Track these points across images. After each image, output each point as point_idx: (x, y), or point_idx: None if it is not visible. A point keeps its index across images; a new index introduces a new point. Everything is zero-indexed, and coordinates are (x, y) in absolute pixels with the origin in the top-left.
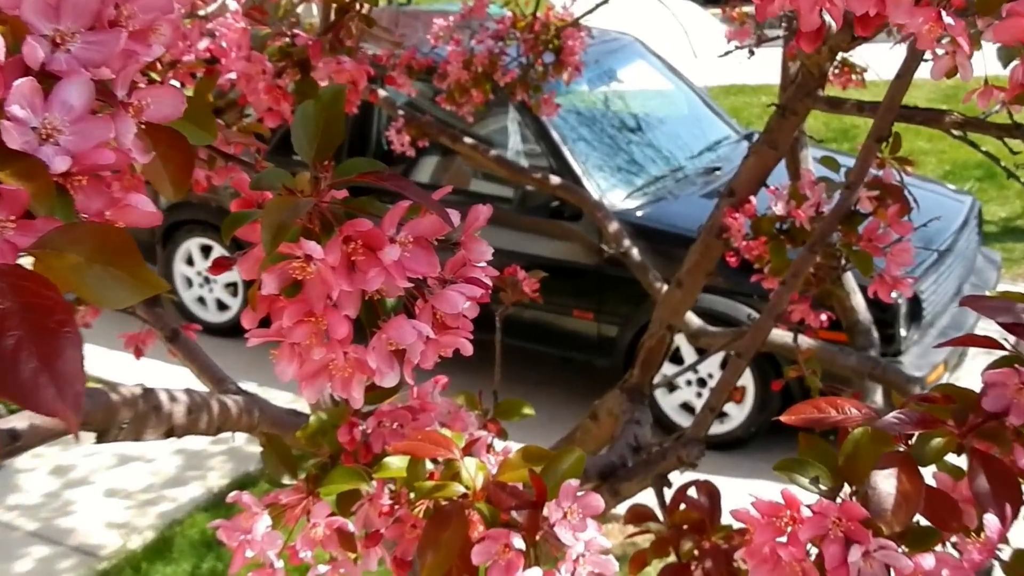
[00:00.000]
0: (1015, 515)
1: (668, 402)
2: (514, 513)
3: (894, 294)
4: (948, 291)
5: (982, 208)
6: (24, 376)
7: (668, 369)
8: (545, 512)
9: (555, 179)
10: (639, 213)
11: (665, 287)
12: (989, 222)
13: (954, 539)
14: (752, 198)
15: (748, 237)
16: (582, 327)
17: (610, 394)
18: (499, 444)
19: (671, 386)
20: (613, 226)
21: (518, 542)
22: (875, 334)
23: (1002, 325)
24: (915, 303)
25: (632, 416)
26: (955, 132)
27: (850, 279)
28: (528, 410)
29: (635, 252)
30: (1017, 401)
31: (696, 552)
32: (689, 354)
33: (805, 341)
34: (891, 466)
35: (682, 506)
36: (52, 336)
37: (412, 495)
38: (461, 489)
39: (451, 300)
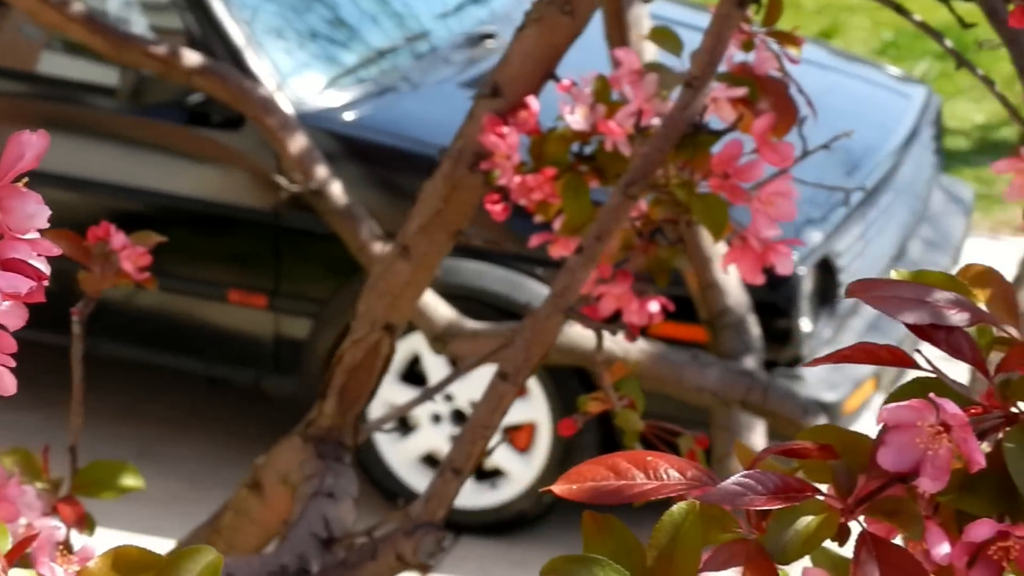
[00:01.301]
0: None
1: (400, 454)
2: None
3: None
4: (883, 253)
5: (942, 107)
6: None
7: (403, 396)
8: None
9: (192, 56)
10: (349, 116)
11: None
12: (955, 131)
13: None
14: (531, 100)
15: (524, 169)
16: (245, 321)
17: (282, 446)
18: (80, 541)
19: (405, 426)
20: (298, 142)
21: None
22: (754, 331)
23: (911, 328)
24: (826, 275)
25: (321, 485)
26: None
27: (709, 241)
28: (133, 480)
29: (336, 189)
30: (932, 454)
31: None
32: (439, 371)
33: (622, 345)
34: (729, 565)
35: None
36: None
37: None
38: None
39: None
